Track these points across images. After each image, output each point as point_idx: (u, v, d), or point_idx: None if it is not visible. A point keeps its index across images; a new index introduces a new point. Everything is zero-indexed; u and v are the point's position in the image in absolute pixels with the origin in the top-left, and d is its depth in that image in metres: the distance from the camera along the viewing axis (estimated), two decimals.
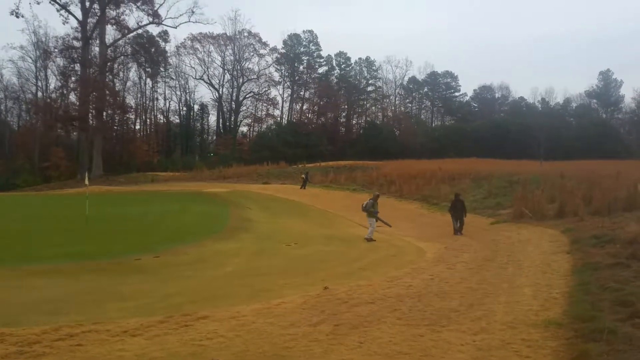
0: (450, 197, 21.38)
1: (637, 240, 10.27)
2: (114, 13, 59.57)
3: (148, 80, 72.73)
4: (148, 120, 75.44)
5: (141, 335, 5.83)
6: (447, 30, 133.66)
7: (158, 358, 5.19)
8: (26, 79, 64.71)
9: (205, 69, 75.62)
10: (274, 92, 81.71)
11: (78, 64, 60.04)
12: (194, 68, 75.49)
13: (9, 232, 16.20)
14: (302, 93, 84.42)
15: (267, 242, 15.72)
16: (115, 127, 68.62)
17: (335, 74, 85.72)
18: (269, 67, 79.01)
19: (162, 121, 76.48)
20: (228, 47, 75.81)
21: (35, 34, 63.50)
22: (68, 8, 56.76)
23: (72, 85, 62.73)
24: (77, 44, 59.23)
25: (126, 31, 61.87)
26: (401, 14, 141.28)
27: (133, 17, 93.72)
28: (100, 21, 57.88)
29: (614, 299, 6.75)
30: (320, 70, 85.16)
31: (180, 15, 67.67)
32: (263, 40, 76.47)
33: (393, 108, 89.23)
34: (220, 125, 78.70)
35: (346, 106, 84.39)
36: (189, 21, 62.39)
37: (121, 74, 68.30)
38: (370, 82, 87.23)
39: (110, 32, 61.71)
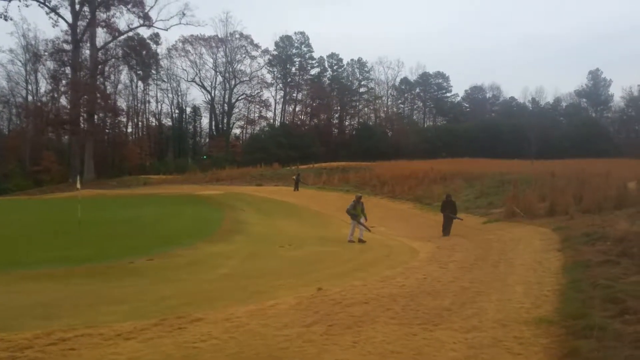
0: (442, 198, 21.45)
1: (627, 237, 10.36)
2: (104, 16, 59.36)
3: (139, 83, 72.59)
4: (140, 123, 75.32)
5: (135, 338, 5.82)
6: (438, 30, 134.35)
7: None
8: (16, 83, 64.36)
9: (197, 71, 75.65)
10: (266, 94, 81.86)
11: (68, 67, 59.77)
12: (185, 70, 75.50)
13: (0, 237, 16.09)
14: (294, 95, 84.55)
15: (260, 244, 15.70)
16: (106, 131, 68.35)
17: (328, 76, 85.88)
18: (261, 69, 79.22)
19: (154, 124, 76.32)
20: (220, 49, 75.86)
21: (25, 37, 63.15)
22: (58, 11, 56.50)
23: (62, 89, 62.51)
24: (67, 47, 59.02)
25: (117, 34, 61.67)
26: (392, 15, 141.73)
27: (124, 19, 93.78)
28: (90, 24, 57.58)
29: (605, 296, 6.80)
30: (313, 71, 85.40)
31: (171, 17, 67.91)
32: (255, 42, 76.70)
33: (385, 109, 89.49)
34: (213, 128, 78.64)
35: (339, 107, 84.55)
36: (180, 23, 62.38)
37: (112, 77, 68.12)
38: (362, 83, 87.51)
39: (101, 35, 61.52)
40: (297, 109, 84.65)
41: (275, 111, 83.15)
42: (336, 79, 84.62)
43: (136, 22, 61.62)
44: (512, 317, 6.52)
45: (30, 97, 64.89)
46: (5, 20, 54.97)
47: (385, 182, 35.12)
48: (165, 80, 74.81)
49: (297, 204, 29.63)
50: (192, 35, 73.71)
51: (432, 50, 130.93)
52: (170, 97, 76.40)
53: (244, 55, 76.92)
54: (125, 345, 5.58)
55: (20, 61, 63.46)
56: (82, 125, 59.11)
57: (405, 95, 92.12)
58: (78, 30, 57.30)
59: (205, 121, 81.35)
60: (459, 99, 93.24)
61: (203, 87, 76.80)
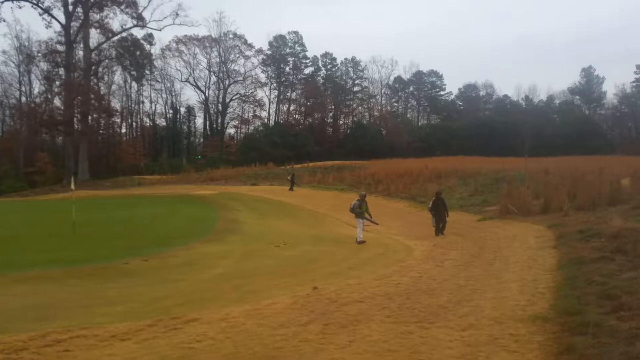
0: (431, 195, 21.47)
1: (621, 234, 10.40)
2: (97, 16, 59.12)
3: (133, 83, 72.37)
4: (134, 123, 75.03)
5: (130, 339, 5.78)
6: (432, 29, 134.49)
7: None
8: (9, 84, 63.95)
9: (191, 72, 75.44)
10: (260, 94, 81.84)
11: (62, 68, 59.45)
12: (179, 71, 75.31)
13: None
14: (288, 94, 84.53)
15: (256, 243, 15.67)
16: (100, 131, 68.09)
17: (322, 75, 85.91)
18: (255, 68, 79.10)
19: (148, 124, 76.04)
20: (213, 49, 75.70)
21: (18, 38, 62.88)
22: (51, 12, 56.25)
23: (56, 90, 62.19)
24: (60, 48, 58.66)
25: (110, 34, 61.47)
26: (386, 13, 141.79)
27: (117, 20, 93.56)
28: (83, 25, 57.30)
29: (599, 292, 6.82)
30: (306, 71, 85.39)
31: (165, 17, 67.61)
32: (248, 42, 76.56)
33: (379, 108, 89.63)
34: (207, 128, 78.48)
35: (333, 106, 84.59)
36: (174, 24, 62.31)
37: (106, 78, 67.92)
38: (356, 82, 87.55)
39: (94, 36, 61.34)
40: (291, 108, 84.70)
41: (269, 111, 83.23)
42: (330, 78, 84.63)
43: (130, 22, 61.51)
44: (507, 315, 6.52)
45: (23, 99, 64.62)
46: None
47: (380, 181, 35.15)
48: (159, 80, 74.70)
49: (292, 203, 29.61)
50: (185, 36, 73.66)
51: (426, 48, 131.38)
52: (164, 98, 76.33)
53: (237, 55, 76.92)
54: (121, 347, 5.55)
55: (13, 62, 63.24)
56: (76, 126, 58.88)
57: (399, 93, 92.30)
58: (71, 31, 57.00)
59: (199, 121, 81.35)
60: (452, 97, 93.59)
61: (197, 87, 76.74)
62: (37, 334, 5.83)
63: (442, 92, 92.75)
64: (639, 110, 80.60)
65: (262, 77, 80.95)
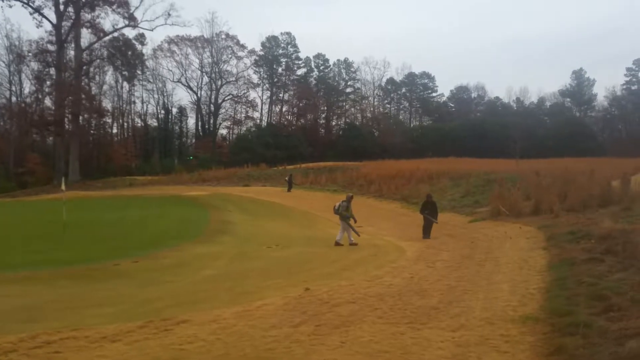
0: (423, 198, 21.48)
1: (611, 235, 10.49)
2: (89, 16, 58.56)
3: (125, 83, 71.90)
4: (125, 124, 74.58)
5: (121, 340, 5.75)
6: (423, 31, 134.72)
7: None
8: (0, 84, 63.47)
9: (183, 72, 75.10)
10: (253, 95, 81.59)
11: (53, 68, 59.01)
12: (171, 71, 74.88)
13: None
14: (281, 95, 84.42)
15: (248, 244, 15.65)
16: (91, 132, 67.65)
17: (314, 76, 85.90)
18: (248, 69, 78.85)
19: (139, 125, 75.67)
20: (206, 50, 75.41)
21: (8, 37, 62.15)
22: (41, 11, 55.71)
23: (47, 90, 61.68)
24: (51, 47, 58.19)
25: (102, 34, 61.02)
26: (378, 15, 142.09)
27: (108, 20, 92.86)
28: (75, 24, 56.88)
29: (590, 293, 6.87)
30: (299, 72, 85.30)
31: (157, 17, 67.03)
32: (241, 43, 76.30)
33: (372, 109, 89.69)
34: (200, 128, 78.22)
35: (325, 108, 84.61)
36: (166, 24, 61.81)
37: (97, 78, 67.35)
38: (348, 83, 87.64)
39: (86, 36, 60.73)
40: (283, 109, 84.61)
41: (261, 111, 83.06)
42: (323, 79, 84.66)
43: (121, 22, 61.03)
44: (498, 315, 6.56)
45: (14, 98, 63.94)
46: None
47: (372, 182, 35.22)
48: (151, 80, 74.27)
49: (285, 204, 29.59)
50: (177, 36, 73.30)
51: (418, 50, 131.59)
52: (156, 98, 75.87)
53: (230, 56, 76.68)
54: (111, 348, 5.52)
55: (3, 62, 62.53)
56: (67, 127, 58.45)
57: (392, 95, 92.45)
58: (62, 31, 56.57)
59: (191, 122, 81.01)
60: (444, 98, 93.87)
61: (189, 87, 76.42)
62: (27, 336, 5.78)
63: (434, 94, 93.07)
64: (629, 113, 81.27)
65: (255, 78, 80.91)
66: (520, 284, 8.38)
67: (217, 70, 75.99)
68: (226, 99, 77.67)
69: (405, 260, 12.20)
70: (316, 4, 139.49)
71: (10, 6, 54.32)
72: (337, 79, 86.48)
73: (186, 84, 75.82)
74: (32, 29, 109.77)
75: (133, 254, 12.72)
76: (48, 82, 61.25)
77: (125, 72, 69.92)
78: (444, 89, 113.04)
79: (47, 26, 57.54)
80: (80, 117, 60.42)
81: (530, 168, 30.83)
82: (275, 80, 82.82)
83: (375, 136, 77.46)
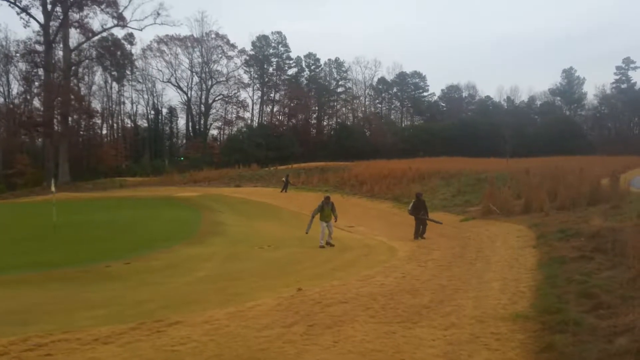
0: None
1: (601, 233, 10.59)
2: (77, 16, 58.03)
3: (114, 83, 71.49)
4: (115, 124, 74.16)
5: (113, 342, 5.76)
6: (414, 30, 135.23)
7: None
8: None
9: (173, 72, 74.76)
10: (243, 95, 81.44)
11: (41, 69, 58.53)
12: (161, 71, 74.54)
13: None
14: (272, 95, 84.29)
15: (239, 245, 15.66)
16: (81, 133, 67.14)
17: (305, 76, 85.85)
18: (238, 69, 78.63)
19: (129, 125, 75.30)
20: (195, 49, 75.12)
21: None
22: (29, 11, 55.19)
23: (35, 91, 61.11)
24: (39, 47, 57.64)
25: (90, 34, 60.53)
26: (369, 14, 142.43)
27: (97, 19, 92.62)
28: (63, 24, 56.45)
29: (579, 291, 6.96)
30: (290, 71, 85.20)
31: (146, 17, 66.86)
32: (231, 42, 76.11)
33: (363, 109, 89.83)
34: (190, 129, 77.92)
35: (317, 107, 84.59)
36: (155, 23, 61.44)
37: (86, 78, 66.89)
38: (340, 83, 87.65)
39: (74, 36, 60.18)
40: (274, 109, 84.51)
41: (252, 112, 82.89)
42: (314, 79, 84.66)
43: (110, 22, 60.60)
44: (489, 314, 6.63)
45: (1, 99, 63.42)
46: None
47: (363, 182, 35.29)
48: (141, 81, 73.91)
49: (277, 204, 29.62)
50: (167, 35, 72.96)
51: (409, 50, 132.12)
52: (145, 98, 75.53)
53: (220, 56, 76.46)
54: (103, 350, 5.52)
55: None
56: (56, 128, 57.97)
57: (383, 95, 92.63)
58: (50, 31, 56.10)
59: (181, 122, 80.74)
60: (435, 98, 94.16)
61: (179, 87, 76.12)
62: (18, 339, 5.78)
63: (425, 93, 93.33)
64: (618, 111, 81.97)
65: (245, 78, 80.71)
66: (511, 282, 8.46)
67: (207, 70, 75.81)
68: (217, 99, 77.53)
69: (397, 259, 12.26)
70: (307, 4, 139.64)
71: None
72: (328, 78, 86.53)
73: (176, 84, 75.61)
74: (20, 29, 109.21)
75: (124, 256, 12.71)
76: (36, 83, 60.72)
77: (114, 73, 69.51)
78: (435, 88, 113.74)
79: (35, 26, 57.13)
80: (70, 118, 60.02)
81: (520, 167, 31.02)
82: (266, 80, 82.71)
83: (367, 136, 77.58)
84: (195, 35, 74.69)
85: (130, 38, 68.17)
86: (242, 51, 78.25)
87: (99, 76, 69.71)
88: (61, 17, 56.39)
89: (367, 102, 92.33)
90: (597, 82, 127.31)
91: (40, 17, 55.57)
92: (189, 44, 74.43)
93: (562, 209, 17.16)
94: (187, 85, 76.27)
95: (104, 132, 73.19)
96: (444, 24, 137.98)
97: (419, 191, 21.16)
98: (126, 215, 23.05)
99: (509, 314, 6.53)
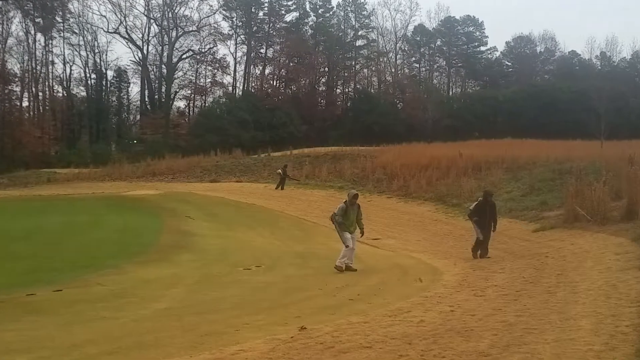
0: (477, 195, 21.40)
1: None
2: None
3: (39, 35, 71.82)
4: (41, 93, 74.56)
5: None
6: None
7: None
8: None
9: (122, 19, 75.13)
10: (222, 51, 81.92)
11: None
12: (105, 17, 74.87)
13: None
14: (262, 51, 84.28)
15: (216, 265, 15.68)
16: None
17: (310, 23, 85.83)
18: (214, 14, 78.89)
19: (60, 95, 75.69)
20: None
21: None
22: None
23: None
24: None
25: None
26: None
27: None
28: None
29: None
30: (288, 17, 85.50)
31: None
32: None
33: (393, 70, 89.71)
34: (147, 100, 78.17)
35: (327, 69, 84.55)
36: None
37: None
38: (360, 33, 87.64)
39: None
40: (266, 71, 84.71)
41: (235, 75, 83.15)
42: (322, 28, 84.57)
43: None
44: None
45: None
46: None
47: (394, 175, 35.22)
48: (77, 31, 74.28)
49: (270, 207, 29.61)
50: None
51: None
52: (83, 57, 75.87)
53: None
54: None
55: None
56: None
57: (422, 50, 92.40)
58: None
59: (134, 90, 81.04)
60: (497, 54, 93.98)
61: (131, 40, 76.36)
62: None
63: (482, 48, 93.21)
64: None
65: (225, 27, 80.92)
66: (607, 319, 8.40)
67: (170, 15, 75.98)
68: (184, 57, 77.69)
69: (443, 286, 12.23)
70: None
71: None
72: (343, 27, 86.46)
73: (127, 36, 75.87)
74: None
75: (54, 280, 12.73)
76: None
77: (38, 20, 69.75)
78: (496, 40, 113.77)
79: None
80: None
81: (621, 154, 30.80)
82: (255, 29, 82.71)
83: (399, 109, 77.55)
84: None
85: None
86: None
87: (16, 25, 70.21)
88: None
89: (398, 61, 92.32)
90: None
91: None
92: None
93: None
94: (143, 37, 76.64)
95: (25, 104, 73.68)
96: None
97: (489, 189, 20.95)
98: (56, 222, 23.13)
99: None
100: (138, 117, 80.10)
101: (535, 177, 28.67)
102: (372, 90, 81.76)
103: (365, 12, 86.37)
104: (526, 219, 22.51)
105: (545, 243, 17.56)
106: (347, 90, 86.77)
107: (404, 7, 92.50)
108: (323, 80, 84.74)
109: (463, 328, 8.48)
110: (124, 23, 75.22)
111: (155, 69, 78.03)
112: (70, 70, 76.54)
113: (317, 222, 25.39)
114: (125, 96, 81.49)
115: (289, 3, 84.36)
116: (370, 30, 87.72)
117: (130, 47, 77.34)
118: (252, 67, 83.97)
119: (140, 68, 77.34)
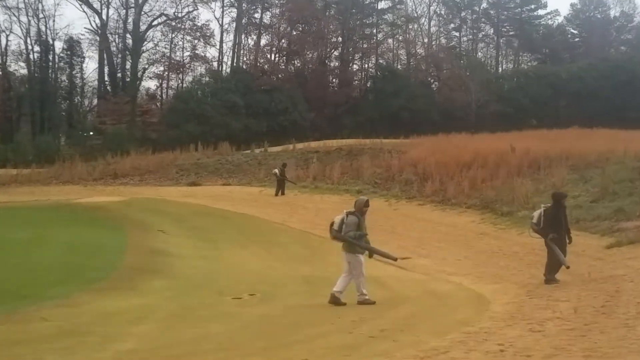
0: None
1: None
2: None
3: None
4: None
5: None
6: None
7: None
8: None
9: None
10: (205, 15, 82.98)
11: None
12: None
13: None
14: (256, 17, 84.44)
15: (197, 294, 15.71)
16: None
17: None
18: None
19: None
20: None
21: None
22: None
23: None
24: None
25: None
26: None
27: None
28: None
29: None
30: None
31: None
32: None
33: (426, 41, 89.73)
34: (106, 79, 78.42)
35: (340, 39, 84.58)
36: None
37: None
38: None
39: None
40: (262, 42, 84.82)
41: (221, 47, 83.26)
42: None
43: None
44: None
45: None
46: None
47: (427, 176, 35.27)
48: None
49: (266, 218, 29.66)
50: None
51: None
52: (24, 23, 76.11)
53: None
54: None
55: None
56: None
57: (463, 14, 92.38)
58: None
59: (91, 67, 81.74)
60: (560, 20, 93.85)
61: (86, 2, 76.53)
62: None
63: (540, 12, 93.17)
64: None
65: None
66: None
67: None
68: (155, 23, 77.92)
69: (490, 318, 12.21)
70: None
71: None
72: None
73: None
74: None
75: None
76: None
77: None
78: (558, 2, 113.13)
79: None
80: None
81: None
82: None
83: (433, 91, 77.57)
84: None
85: None
86: None
87: None
88: None
89: (433, 29, 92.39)
90: None
91: None
92: None
93: None
94: None
95: None
96: None
97: (558, 190, 20.83)
98: None
99: None
100: (95, 101, 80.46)
101: (610, 178, 28.63)
102: (399, 67, 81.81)
103: None
104: (597, 232, 22.47)
105: (622, 262, 17.53)
106: (366, 66, 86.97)
107: None
108: (335, 53, 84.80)
109: None
110: None
111: (117, 40, 78.41)
112: (7, 41, 77.03)
113: (327, 239, 25.41)
114: (79, 75, 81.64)
115: None
116: None
117: (84, 11, 77.85)
118: (243, 37, 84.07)
119: (98, 38, 77.55)
